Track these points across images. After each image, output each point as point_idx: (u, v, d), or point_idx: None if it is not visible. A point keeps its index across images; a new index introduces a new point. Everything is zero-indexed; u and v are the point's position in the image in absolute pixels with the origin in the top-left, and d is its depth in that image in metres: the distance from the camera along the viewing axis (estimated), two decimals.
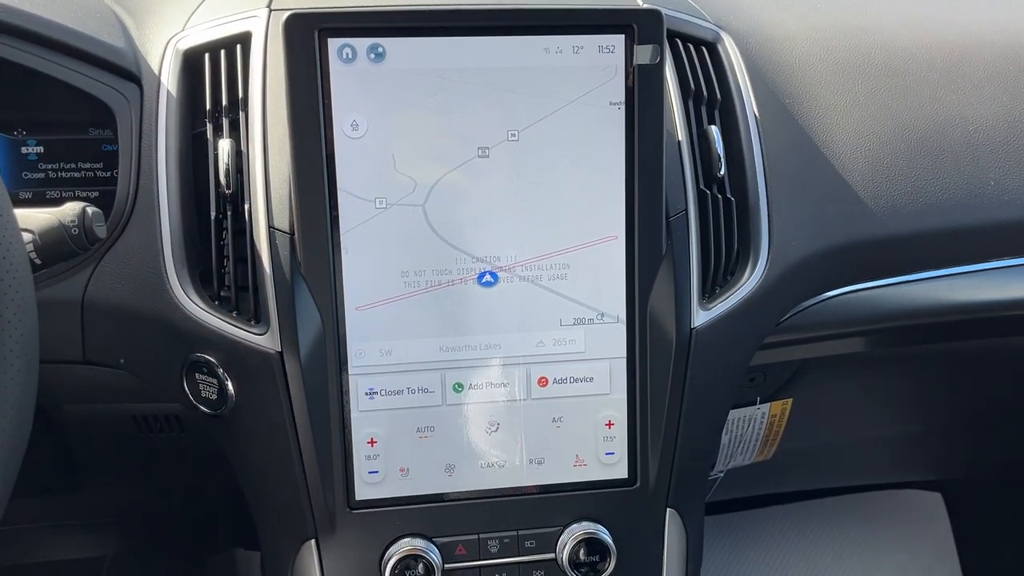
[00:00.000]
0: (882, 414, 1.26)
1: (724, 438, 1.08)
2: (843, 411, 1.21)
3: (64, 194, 0.81)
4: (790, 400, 1.08)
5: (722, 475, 1.19)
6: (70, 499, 1.11)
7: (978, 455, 1.47)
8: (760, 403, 1.07)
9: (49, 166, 0.81)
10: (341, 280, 0.72)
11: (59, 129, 0.81)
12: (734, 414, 1.07)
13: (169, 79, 0.78)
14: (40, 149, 0.81)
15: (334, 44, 0.69)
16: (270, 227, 0.72)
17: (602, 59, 0.72)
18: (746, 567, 1.51)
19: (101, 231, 0.67)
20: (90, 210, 0.66)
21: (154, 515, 1.22)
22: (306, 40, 0.69)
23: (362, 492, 0.76)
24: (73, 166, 0.81)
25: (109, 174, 0.79)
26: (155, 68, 0.79)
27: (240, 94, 0.77)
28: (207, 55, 0.79)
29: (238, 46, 0.78)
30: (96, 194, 0.80)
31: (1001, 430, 1.38)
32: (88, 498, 1.11)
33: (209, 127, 0.77)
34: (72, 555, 1.37)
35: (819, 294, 0.87)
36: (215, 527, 1.30)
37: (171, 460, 0.98)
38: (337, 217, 0.71)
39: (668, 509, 0.80)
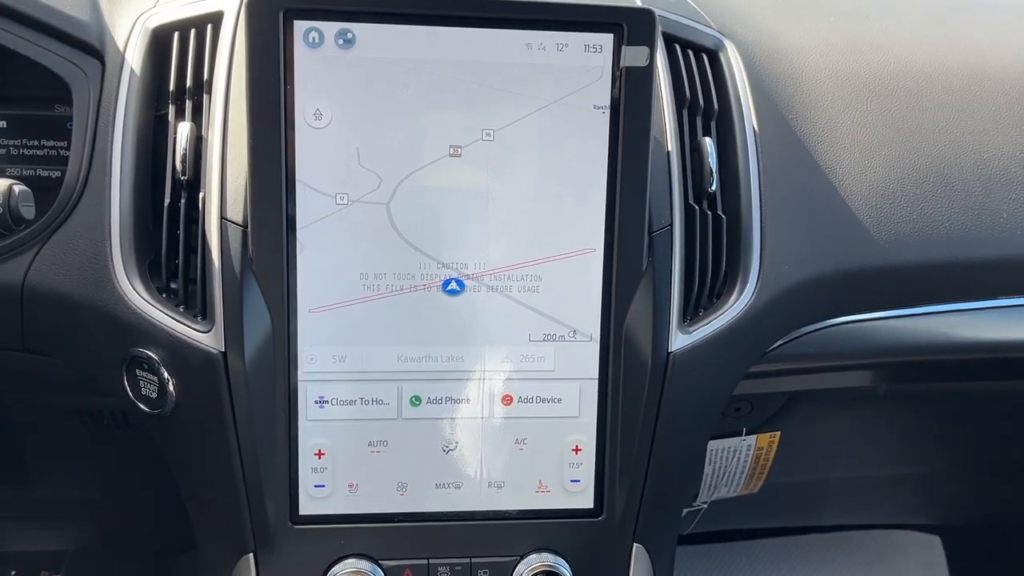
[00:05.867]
0: (878, 452, 1.20)
1: (707, 469, 1.03)
2: (836, 447, 1.15)
3: (25, 172, 0.77)
4: (778, 433, 1.02)
5: (705, 506, 1.14)
6: (26, 492, 1.07)
7: (979, 500, 1.41)
8: (746, 434, 1.01)
9: (11, 142, 0.77)
10: (295, 279, 0.68)
11: (23, 104, 0.77)
12: (718, 444, 1.01)
13: (134, 56, 0.74)
14: (2, 124, 0.77)
15: (300, 27, 0.65)
16: (222, 217, 0.68)
17: (588, 59, 0.68)
18: None
19: (28, 212, 0.63)
20: (17, 189, 0.62)
21: (116, 511, 1.18)
22: (270, 20, 0.64)
23: (306, 507, 0.71)
24: (36, 143, 0.77)
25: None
26: (121, 45, 0.75)
27: (206, 76, 0.73)
28: (176, 34, 0.75)
29: (208, 26, 0.75)
30: (58, 174, 0.76)
31: (1005, 475, 1.32)
32: (45, 492, 1.07)
33: (171, 109, 0.73)
34: (33, 547, 1.33)
35: (812, 323, 0.82)
36: (179, 526, 1.26)
37: (124, 455, 0.94)
38: (294, 211, 0.67)
39: (635, 544, 0.75)
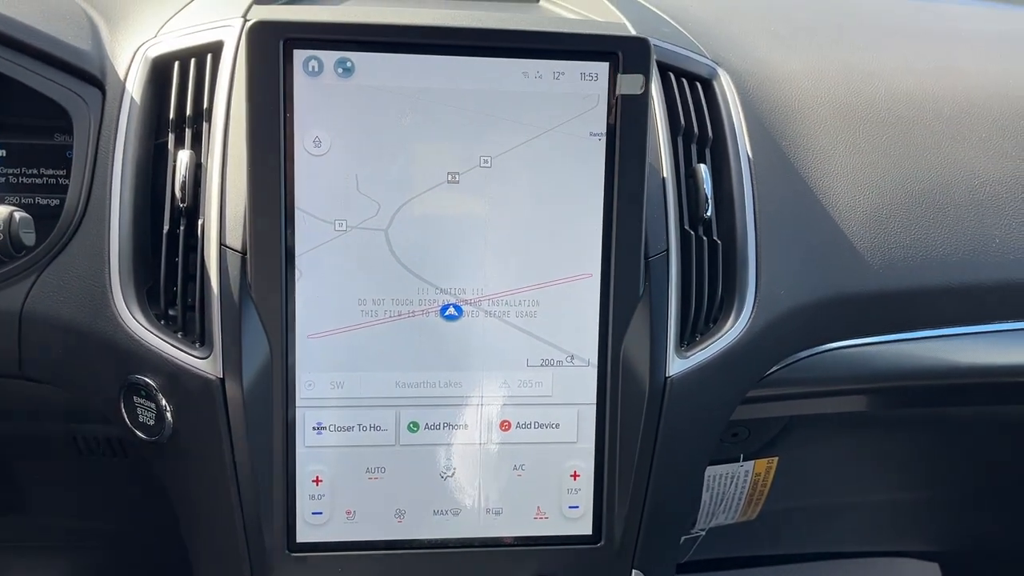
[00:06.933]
0: (876, 479, 1.20)
1: (705, 495, 1.03)
2: (834, 473, 1.15)
3: (24, 200, 0.77)
4: (776, 459, 1.02)
5: (703, 534, 1.13)
6: (21, 521, 1.06)
7: (979, 527, 1.40)
8: (744, 460, 1.01)
9: (10, 170, 0.77)
10: (293, 305, 0.68)
11: (22, 132, 0.78)
12: (716, 471, 1.01)
13: (134, 86, 0.75)
14: (1, 153, 0.77)
15: (300, 56, 0.66)
16: (221, 244, 0.68)
17: (584, 87, 0.69)
18: None
19: (29, 239, 0.63)
20: (18, 215, 0.62)
21: (112, 540, 1.17)
22: (270, 49, 0.65)
23: (304, 534, 0.71)
24: (35, 172, 0.78)
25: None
26: (121, 74, 0.76)
27: (206, 105, 0.74)
28: (176, 63, 0.76)
29: (208, 55, 0.75)
30: (56, 202, 0.76)
31: (1003, 502, 1.32)
32: (37, 521, 1.06)
33: (171, 137, 0.74)
34: None
35: (808, 348, 0.82)
36: (175, 554, 1.24)
37: (120, 484, 0.93)
38: (293, 238, 0.67)
39: (634, 570, 0.75)
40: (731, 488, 1.03)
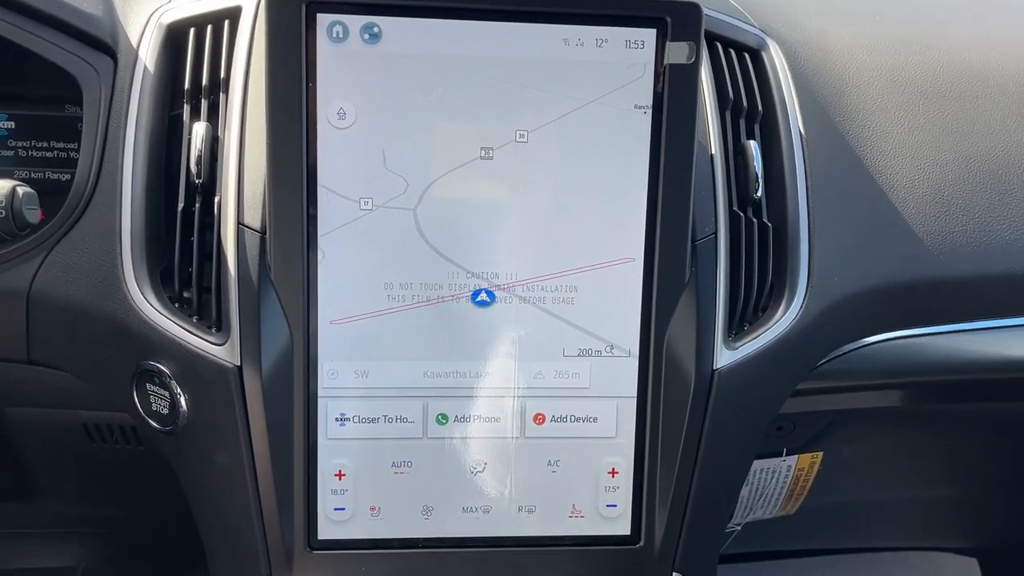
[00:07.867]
0: (921, 474, 1.15)
1: (744, 490, 0.98)
2: (878, 469, 1.10)
3: (34, 174, 0.74)
4: (820, 454, 0.97)
5: (739, 528, 1.09)
6: (35, 508, 1.03)
7: (1018, 522, 1.35)
8: (787, 455, 0.96)
9: (20, 143, 0.74)
10: (315, 289, 0.64)
11: (31, 104, 0.74)
12: (757, 465, 0.97)
13: (148, 54, 0.71)
14: (10, 125, 0.74)
15: (323, 20, 0.61)
16: (239, 223, 0.64)
17: (629, 55, 0.63)
18: None
19: (32, 216, 0.59)
20: (21, 191, 0.58)
21: (125, 527, 1.14)
22: (292, 13, 0.60)
23: (325, 531, 0.67)
24: (46, 145, 0.74)
25: None
26: (134, 41, 0.72)
27: (223, 74, 0.70)
28: (192, 30, 0.72)
29: (226, 21, 0.71)
30: (68, 177, 0.72)
31: None
32: (50, 507, 1.03)
33: (186, 108, 0.70)
34: (42, 564, 1.30)
35: (861, 338, 0.77)
36: (191, 543, 1.22)
37: (135, 471, 0.90)
38: (315, 217, 0.63)
39: (674, 573, 0.71)
40: (771, 483, 0.99)
